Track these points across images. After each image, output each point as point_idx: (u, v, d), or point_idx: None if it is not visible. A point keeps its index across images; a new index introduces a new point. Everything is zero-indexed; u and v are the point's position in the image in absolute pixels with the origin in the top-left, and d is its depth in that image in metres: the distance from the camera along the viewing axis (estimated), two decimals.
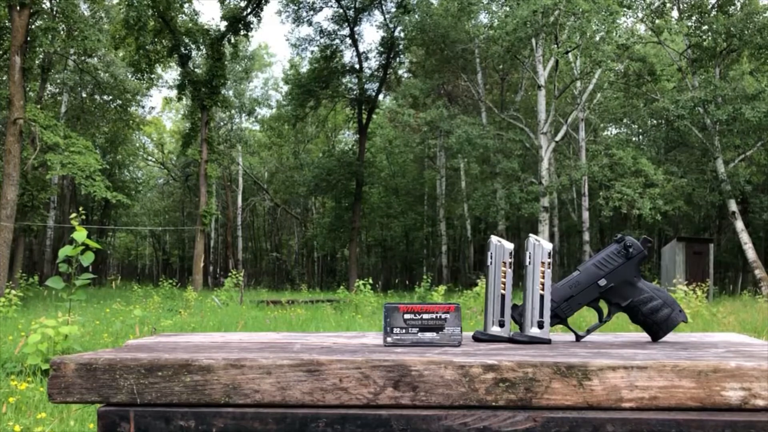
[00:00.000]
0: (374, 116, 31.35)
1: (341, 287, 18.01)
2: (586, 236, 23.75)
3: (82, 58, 28.80)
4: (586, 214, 23.92)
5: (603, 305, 1.40)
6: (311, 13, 28.51)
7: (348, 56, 37.97)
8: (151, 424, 1.03)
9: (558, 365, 1.01)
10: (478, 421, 1.00)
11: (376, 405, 1.03)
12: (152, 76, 26.22)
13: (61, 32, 20.22)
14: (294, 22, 28.81)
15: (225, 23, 26.36)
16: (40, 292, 17.36)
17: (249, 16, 26.50)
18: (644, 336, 1.47)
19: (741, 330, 7.40)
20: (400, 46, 27.91)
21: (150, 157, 44.29)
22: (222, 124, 38.92)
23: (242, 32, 26.62)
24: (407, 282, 27.53)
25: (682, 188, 21.04)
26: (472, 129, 20.94)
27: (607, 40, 18.12)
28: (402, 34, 26.36)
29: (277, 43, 76.23)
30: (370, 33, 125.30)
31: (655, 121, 26.59)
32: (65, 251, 4.66)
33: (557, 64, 20.75)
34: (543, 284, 1.31)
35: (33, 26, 18.17)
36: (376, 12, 28.53)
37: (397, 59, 29.53)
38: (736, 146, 22.08)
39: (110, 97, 32.32)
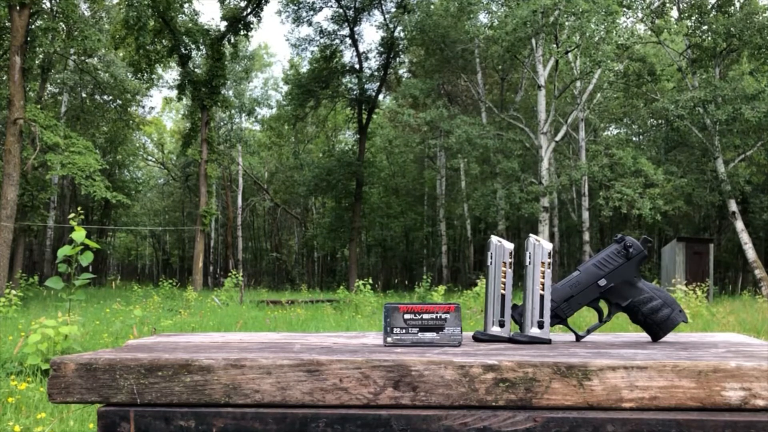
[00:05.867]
0: (374, 116, 31.36)
1: (341, 287, 18.01)
2: (586, 236, 23.74)
3: (82, 58, 28.81)
4: (586, 214, 23.91)
5: (603, 305, 1.40)
6: (311, 13, 28.54)
7: (348, 56, 38.01)
8: (151, 424, 1.03)
9: (558, 365, 1.01)
10: (478, 421, 1.00)
11: (376, 405, 1.02)
12: (152, 76, 26.22)
13: (61, 32, 20.22)
14: (294, 22, 28.84)
15: (225, 23, 26.40)
16: (40, 292, 17.37)
17: (249, 16, 26.52)
18: (644, 336, 1.47)
19: (741, 330, 7.40)
20: (400, 46, 27.92)
21: (150, 157, 44.31)
22: (222, 124, 38.92)
23: (242, 32, 26.64)
24: (407, 282, 27.56)
25: (682, 188, 21.04)
26: (472, 129, 20.94)
27: (607, 40, 18.11)
28: (402, 34, 26.37)
29: (277, 43, 76.31)
30: (370, 33, 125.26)
31: (655, 121, 26.61)
32: (64, 251, 4.66)
33: (557, 64, 20.74)
34: (543, 284, 1.31)
35: (33, 26, 18.16)
36: (376, 12, 28.57)
37: (397, 59, 29.54)
38: (736, 146, 22.08)
39: (110, 97, 32.33)
